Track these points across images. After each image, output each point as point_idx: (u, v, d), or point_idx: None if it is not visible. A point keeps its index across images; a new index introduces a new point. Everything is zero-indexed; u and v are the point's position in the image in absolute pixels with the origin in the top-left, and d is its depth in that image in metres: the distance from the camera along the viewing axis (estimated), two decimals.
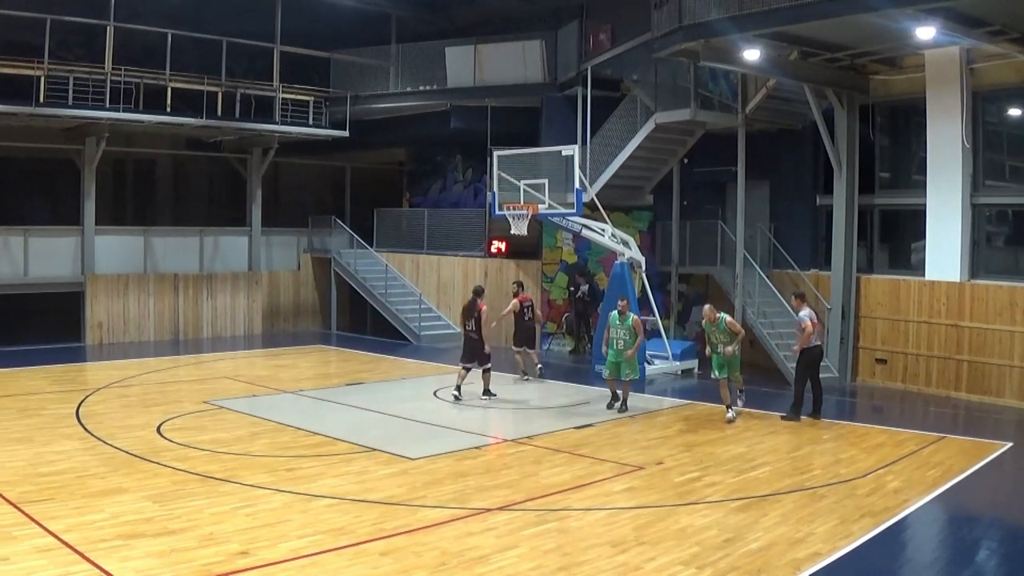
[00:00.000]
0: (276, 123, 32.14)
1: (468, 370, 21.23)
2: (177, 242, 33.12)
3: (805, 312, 19.84)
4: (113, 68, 28.65)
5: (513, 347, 24.72)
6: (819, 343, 20.32)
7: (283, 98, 32.30)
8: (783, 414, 19.68)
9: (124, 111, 28.82)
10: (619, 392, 20.18)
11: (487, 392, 21.30)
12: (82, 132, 29.74)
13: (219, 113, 30.83)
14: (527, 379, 24.04)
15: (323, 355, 29.74)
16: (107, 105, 28.40)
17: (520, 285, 25.95)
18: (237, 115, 31.28)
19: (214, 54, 30.79)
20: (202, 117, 30.29)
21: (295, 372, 25.38)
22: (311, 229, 36.70)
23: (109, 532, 11.27)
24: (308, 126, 33.03)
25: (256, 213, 34.43)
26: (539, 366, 24.57)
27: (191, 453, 15.60)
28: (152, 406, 19.82)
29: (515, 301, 24.45)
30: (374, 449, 16.02)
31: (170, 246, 32.82)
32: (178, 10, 30.75)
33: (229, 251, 34.28)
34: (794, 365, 21.04)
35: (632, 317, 19.69)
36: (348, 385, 23.46)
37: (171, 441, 16.47)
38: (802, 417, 19.51)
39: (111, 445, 16.06)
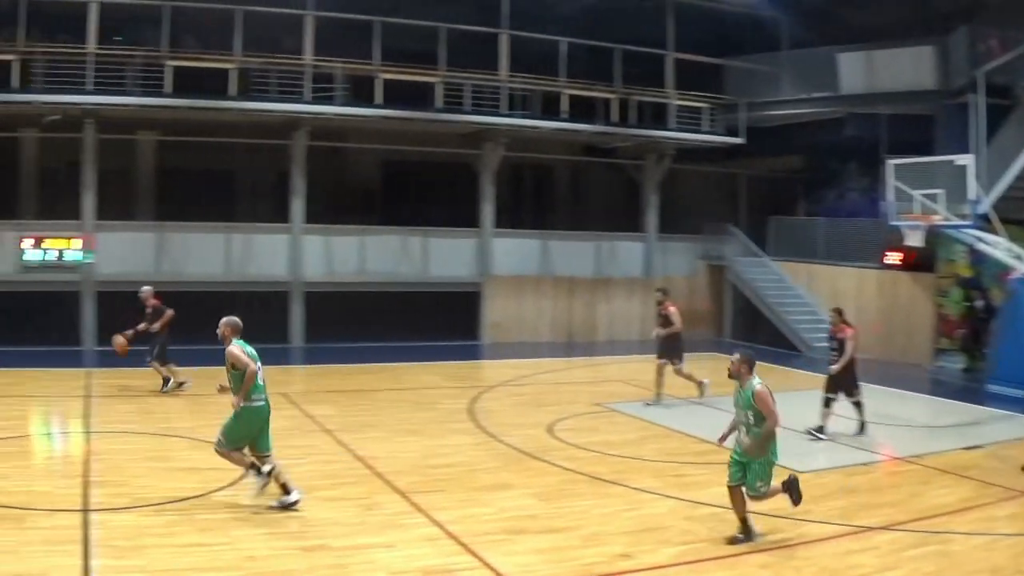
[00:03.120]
0: (670, 130, 32.32)
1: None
2: (573, 246, 33.84)
3: None
4: (508, 75, 29.58)
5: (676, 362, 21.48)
6: None
7: (677, 104, 32.46)
8: None
9: (520, 117, 29.68)
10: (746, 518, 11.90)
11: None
12: (480, 138, 30.95)
13: (614, 120, 31.28)
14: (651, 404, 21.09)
15: (715, 363, 29.41)
16: (503, 111, 29.34)
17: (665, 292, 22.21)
18: (632, 122, 31.64)
19: (608, 61, 31.28)
20: (597, 124, 30.80)
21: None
22: (705, 236, 36.59)
23: (494, 526, 11.69)
24: (702, 133, 33.05)
25: (651, 219, 34.70)
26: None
27: (579, 454, 15.91)
28: (544, 406, 20.31)
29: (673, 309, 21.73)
30: None
31: (566, 250, 33.57)
32: (572, 18, 31.38)
33: (624, 257, 34.67)
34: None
35: (756, 387, 11.69)
36: None
37: (561, 441, 16.84)
38: None
39: (501, 441, 16.62)
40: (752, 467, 11.54)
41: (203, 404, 19.72)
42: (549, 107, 30.86)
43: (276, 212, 31.26)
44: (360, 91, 29.33)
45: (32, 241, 28.07)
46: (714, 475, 14.03)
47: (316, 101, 28.84)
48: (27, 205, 31.38)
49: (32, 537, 11.03)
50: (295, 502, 12.42)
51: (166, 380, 21.24)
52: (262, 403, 12.75)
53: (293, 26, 29.42)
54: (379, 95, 29.34)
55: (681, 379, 21.37)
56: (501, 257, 32.15)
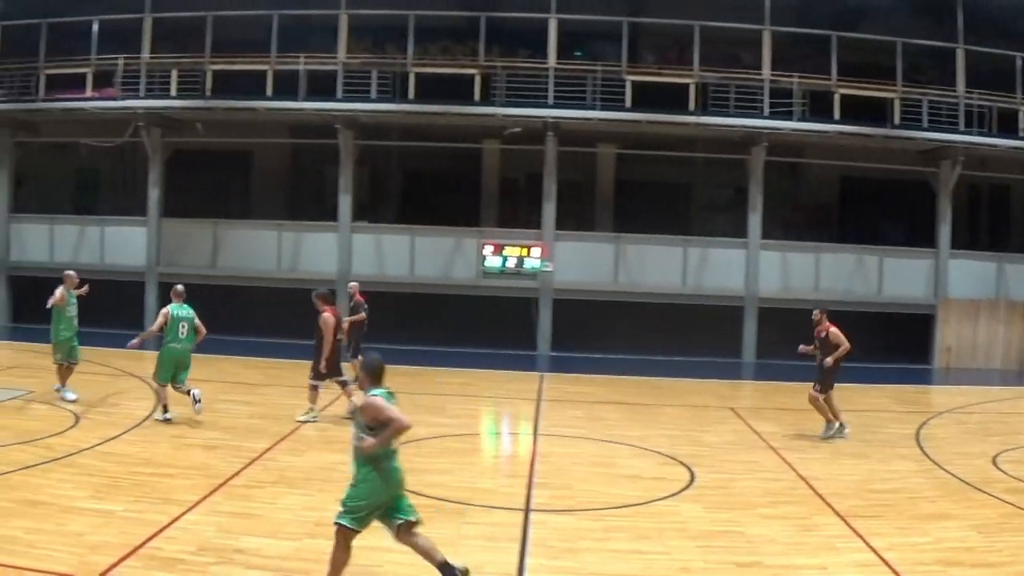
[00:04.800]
0: None
1: None
2: None
3: None
4: (965, 91, 28.66)
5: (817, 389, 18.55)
6: None
7: None
8: None
9: (977, 135, 28.70)
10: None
11: None
12: (937, 155, 30.02)
13: None
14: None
15: None
16: (961, 128, 28.45)
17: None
18: None
19: None
20: None
21: None
22: None
23: (929, 556, 11.34)
24: None
25: None
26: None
27: (1023, 487, 15.27)
28: (991, 435, 19.43)
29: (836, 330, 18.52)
30: None
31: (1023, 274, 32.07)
32: None
33: None
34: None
35: (365, 397, 9.74)
36: None
37: (1005, 473, 16.07)
38: None
39: (945, 470, 16.05)
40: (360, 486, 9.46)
41: (650, 414, 20.24)
42: (1005, 124, 29.61)
43: (733, 226, 31.52)
44: (817, 106, 29.15)
45: (492, 248, 29.53)
46: None
47: (774, 116, 28.89)
48: (488, 213, 33.15)
49: (471, 532, 11.75)
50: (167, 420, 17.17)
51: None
52: (176, 346, 17.52)
53: (751, 41, 29.60)
54: (836, 110, 29.05)
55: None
56: (956, 279, 30.96)
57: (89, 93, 30.37)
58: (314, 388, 18.27)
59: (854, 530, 12.24)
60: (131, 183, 34.09)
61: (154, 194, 31.42)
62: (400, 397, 18.06)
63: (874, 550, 11.46)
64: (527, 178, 32.80)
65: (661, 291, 29.81)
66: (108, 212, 33.36)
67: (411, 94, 29.09)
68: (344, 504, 9.45)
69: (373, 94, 29.21)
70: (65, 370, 19.09)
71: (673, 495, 13.57)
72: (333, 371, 18.30)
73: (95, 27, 30.30)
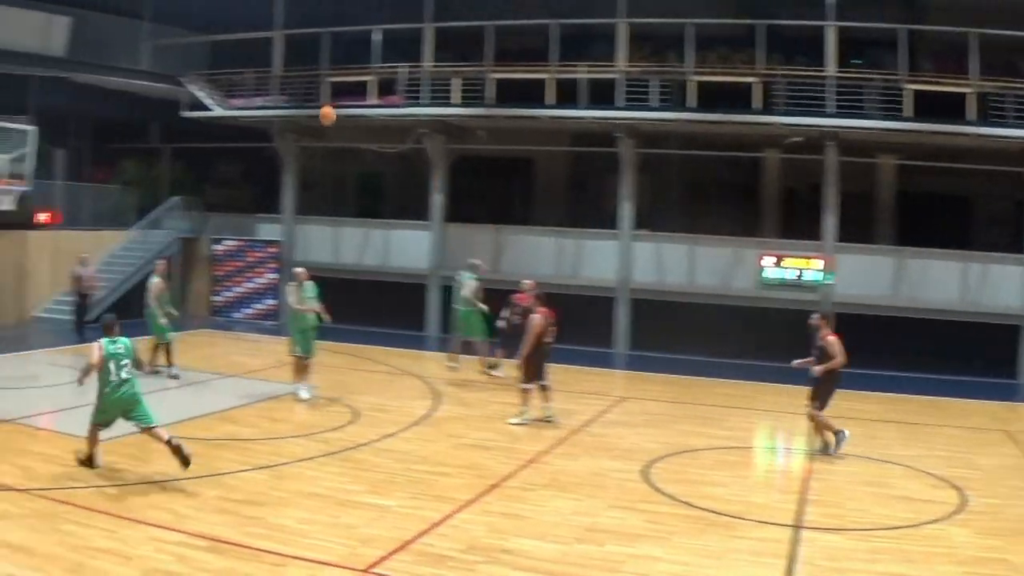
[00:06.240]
0: None
1: None
2: None
3: None
4: None
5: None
6: None
7: None
8: None
9: None
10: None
11: None
12: None
13: None
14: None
15: None
16: None
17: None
18: None
19: None
20: None
21: None
22: None
23: None
24: None
25: None
26: None
27: None
28: None
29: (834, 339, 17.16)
30: None
31: None
32: None
33: None
34: None
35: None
36: None
37: None
38: None
39: None
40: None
41: (925, 434, 19.79)
42: None
43: (1011, 241, 30.32)
44: None
45: (772, 259, 29.25)
46: None
47: None
48: (768, 224, 32.87)
49: (739, 546, 11.89)
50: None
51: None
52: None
53: None
54: None
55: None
56: None
57: (373, 100, 31.67)
58: (526, 390, 18.60)
59: None
60: (412, 187, 35.25)
61: (437, 199, 32.55)
62: (677, 406, 18.42)
63: None
64: (808, 188, 32.32)
65: (940, 307, 28.69)
66: (389, 215, 35.13)
67: (690, 102, 29.11)
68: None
69: (653, 102, 29.37)
70: (303, 365, 19.96)
71: (943, 519, 13.34)
72: (534, 374, 18.62)
73: (377, 36, 31.65)
